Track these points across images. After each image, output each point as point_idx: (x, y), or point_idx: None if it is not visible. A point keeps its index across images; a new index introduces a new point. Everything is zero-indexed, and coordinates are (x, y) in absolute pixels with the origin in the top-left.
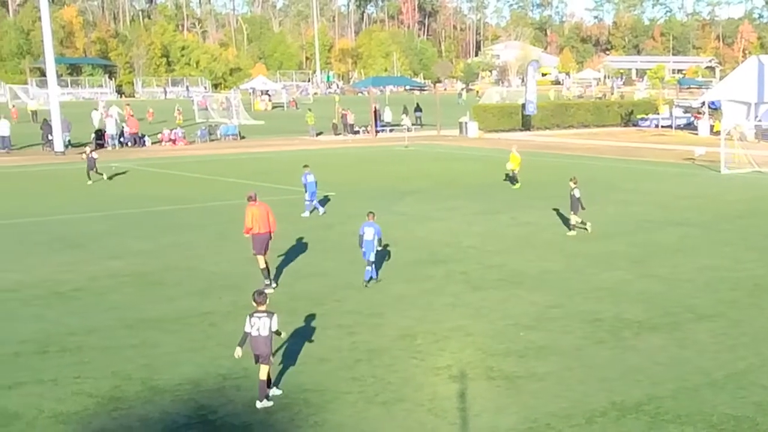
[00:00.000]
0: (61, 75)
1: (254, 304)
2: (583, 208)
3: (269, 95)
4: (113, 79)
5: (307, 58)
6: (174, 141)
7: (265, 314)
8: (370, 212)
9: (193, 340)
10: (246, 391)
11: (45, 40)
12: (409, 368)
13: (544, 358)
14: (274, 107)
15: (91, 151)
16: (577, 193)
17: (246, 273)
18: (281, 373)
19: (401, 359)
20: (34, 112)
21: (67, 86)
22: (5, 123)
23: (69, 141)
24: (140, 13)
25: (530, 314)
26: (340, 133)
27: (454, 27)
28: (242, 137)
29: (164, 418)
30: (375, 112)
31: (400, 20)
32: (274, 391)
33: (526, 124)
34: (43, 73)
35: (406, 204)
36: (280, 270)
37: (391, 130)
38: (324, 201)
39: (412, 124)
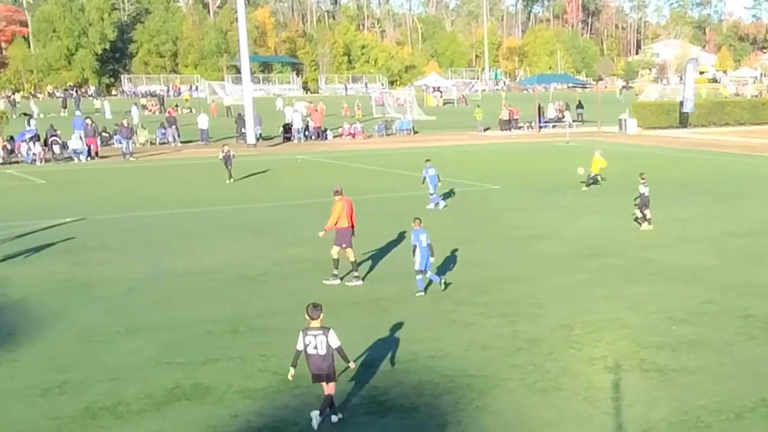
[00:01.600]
0: (254, 72)
1: (307, 318)
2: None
3: (440, 92)
4: (300, 76)
5: (476, 56)
6: (353, 135)
7: (320, 331)
8: (417, 218)
9: (366, 323)
10: (414, 374)
11: (241, 40)
12: (566, 358)
13: (696, 352)
14: (444, 103)
15: (228, 149)
16: (644, 189)
17: (408, 262)
18: (447, 358)
19: (559, 349)
20: (229, 108)
21: (259, 83)
22: (204, 117)
23: (260, 134)
24: (326, 13)
25: (684, 308)
26: (506, 129)
27: (616, 26)
28: (415, 132)
29: (339, 397)
30: (539, 108)
31: (565, 19)
32: (333, 418)
33: (684, 122)
34: (238, 71)
35: (566, 198)
36: (448, 260)
37: (553, 126)
38: (447, 195)
39: (573, 121)
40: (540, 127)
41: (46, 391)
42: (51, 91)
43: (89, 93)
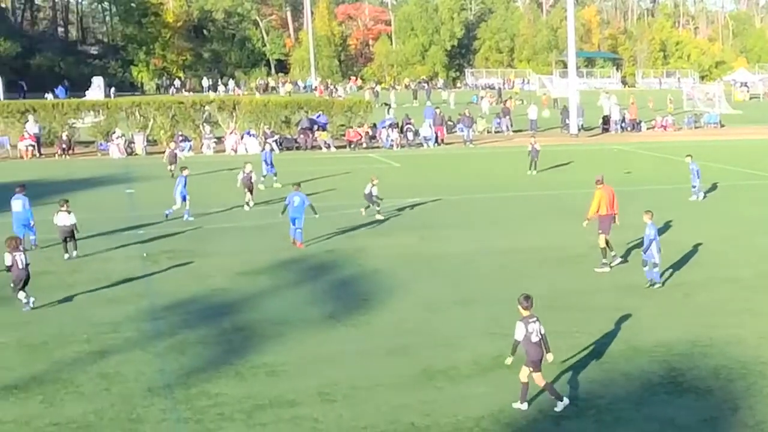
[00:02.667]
0: (579, 67)
1: (521, 309)
2: None
3: (747, 87)
4: (619, 71)
5: None
6: (665, 127)
7: (536, 319)
8: (648, 211)
9: (668, 307)
10: (711, 358)
11: (569, 37)
12: None
13: None
14: (750, 98)
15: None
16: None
17: (712, 251)
18: (742, 345)
19: None
20: (556, 100)
21: (583, 77)
22: (534, 108)
23: (582, 125)
24: (645, 11)
25: None
26: None
27: None
28: (722, 125)
29: (641, 375)
30: None
31: None
32: (560, 405)
33: None
34: (565, 65)
35: None
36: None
37: None
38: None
39: None
40: None
41: (391, 352)
42: (407, 84)
43: (438, 85)
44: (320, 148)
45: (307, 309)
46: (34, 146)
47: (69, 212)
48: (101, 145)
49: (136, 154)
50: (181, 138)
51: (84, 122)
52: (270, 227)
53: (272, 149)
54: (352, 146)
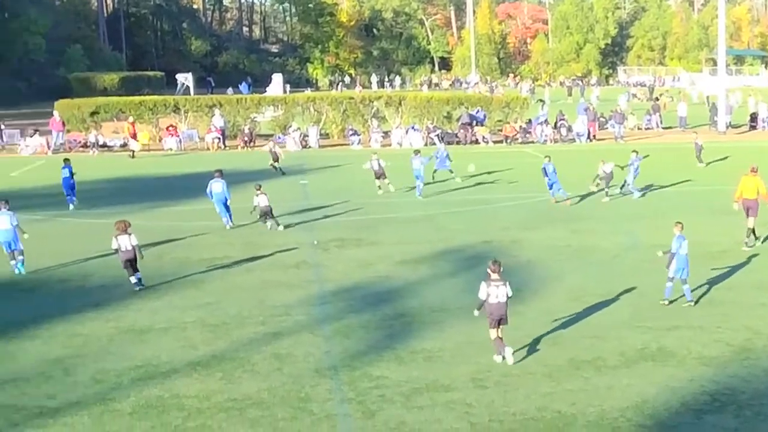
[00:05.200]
0: (728, 65)
1: (489, 272)
2: None
3: None
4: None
5: None
6: None
7: (502, 283)
8: (678, 223)
9: None
10: None
11: (719, 35)
12: None
13: None
14: None
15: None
16: None
17: None
18: None
19: None
20: (707, 97)
21: (732, 75)
22: (683, 105)
23: (730, 122)
24: None
25: None
26: None
27: None
28: None
29: None
30: None
31: None
32: (497, 358)
33: None
34: (715, 63)
35: None
36: None
37: None
38: None
39: None
40: None
41: (542, 342)
42: (562, 81)
43: (591, 83)
44: (479, 143)
45: (463, 297)
46: (219, 139)
47: (265, 194)
48: (279, 137)
49: (310, 147)
50: (351, 132)
51: (264, 116)
52: (430, 218)
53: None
54: (508, 141)
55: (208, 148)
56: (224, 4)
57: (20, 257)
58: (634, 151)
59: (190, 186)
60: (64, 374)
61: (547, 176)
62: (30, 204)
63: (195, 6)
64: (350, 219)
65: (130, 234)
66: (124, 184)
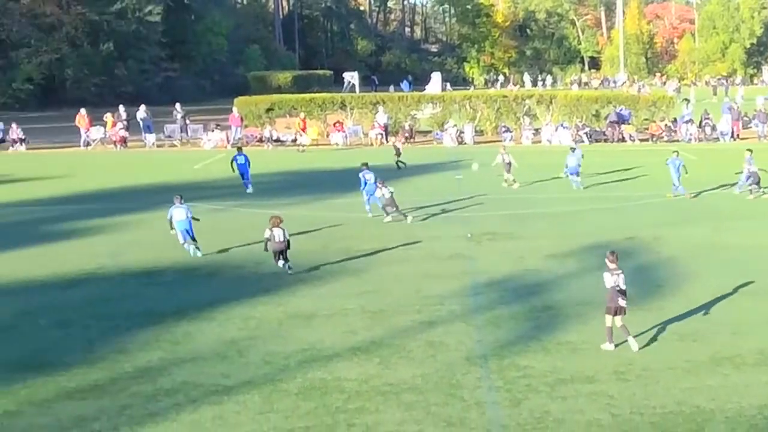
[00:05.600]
0: None
1: (608, 262)
2: None
3: None
4: None
5: None
6: None
7: (621, 272)
8: None
9: None
10: None
11: None
12: None
13: None
14: None
15: None
16: None
17: None
18: None
19: None
20: None
21: None
22: None
23: None
24: None
25: None
26: None
27: None
28: None
29: None
30: None
31: None
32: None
33: None
34: None
35: None
36: None
37: None
38: None
39: None
40: None
41: (682, 337)
42: (707, 80)
43: (735, 82)
44: (625, 141)
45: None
46: (382, 134)
47: (387, 187)
48: (437, 134)
49: (465, 143)
50: (504, 129)
51: (423, 113)
52: (577, 214)
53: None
54: (654, 139)
55: (372, 144)
56: (388, 5)
57: (195, 243)
58: (748, 149)
59: (355, 180)
60: (238, 355)
61: (677, 171)
62: (210, 195)
63: (362, 8)
64: (502, 213)
65: (283, 229)
66: (294, 177)
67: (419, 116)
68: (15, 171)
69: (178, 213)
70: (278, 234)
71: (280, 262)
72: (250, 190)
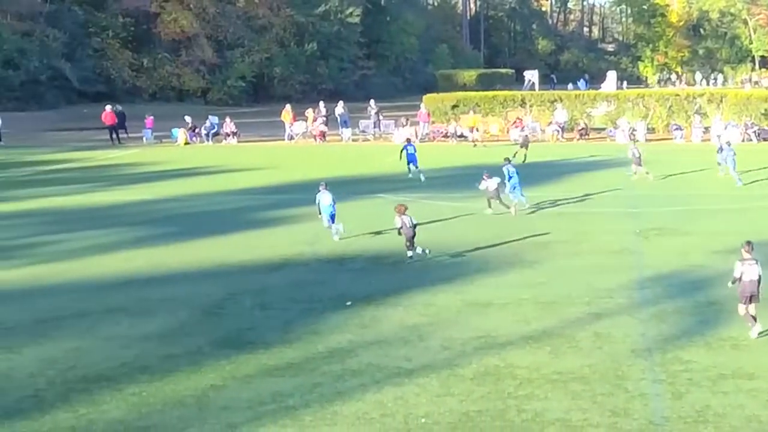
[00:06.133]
0: None
1: (743, 252)
2: None
3: None
4: None
5: None
6: None
7: (754, 261)
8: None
9: None
10: None
11: None
12: None
13: None
14: None
15: None
16: None
17: None
18: None
19: None
20: None
21: None
22: None
23: None
24: None
25: None
26: None
27: None
28: None
29: None
30: None
31: None
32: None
33: None
34: None
35: None
36: None
37: None
38: None
39: None
40: None
41: None
42: None
43: None
44: None
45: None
46: (558, 131)
47: (492, 178)
48: (610, 131)
49: (638, 141)
50: (675, 127)
51: (598, 111)
52: (743, 211)
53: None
54: None
55: (548, 141)
56: (569, 6)
57: (338, 226)
58: None
59: (533, 175)
60: (419, 340)
61: None
62: (397, 187)
63: (543, 8)
64: (669, 209)
65: (410, 216)
66: (473, 171)
67: (594, 114)
68: (228, 162)
69: (325, 198)
70: (407, 221)
71: (418, 249)
72: (422, 178)
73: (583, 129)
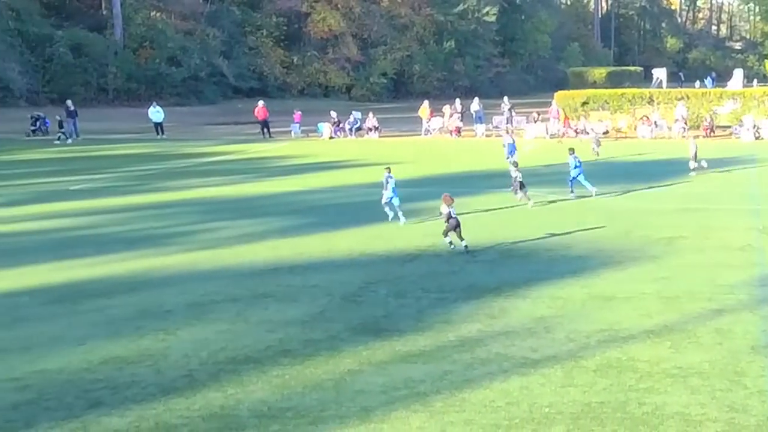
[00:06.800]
0: None
1: None
2: None
3: None
4: None
5: None
6: None
7: None
8: None
9: None
10: None
11: None
12: None
13: None
14: None
15: None
16: None
17: None
18: None
19: None
20: None
21: None
22: None
23: None
24: None
25: None
26: None
27: None
28: None
29: None
30: None
31: None
32: None
33: None
34: None
35: None
36: None
37: None
38: None
39: None
40: None
41: None
42: None
43: None
44: None
45: None
46: (684, 128)
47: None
48: (735, 129)
49: (762, 138)
50: None
51: (724, 109)
52: None
53: None
54: None
55: (674, 137)
56: (698, 4)
57: (400, 212)
58: None
59: (664, 171)
60: (545, 331)
61: None
62: (528, 182)
63: (672, 7)
64: None
65: (453, 208)
66: (601, 167)
67: (720, 111)
68: (369, 156)
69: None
70: (453, 212)
71: (447, 239)
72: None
73: (709, 126)
